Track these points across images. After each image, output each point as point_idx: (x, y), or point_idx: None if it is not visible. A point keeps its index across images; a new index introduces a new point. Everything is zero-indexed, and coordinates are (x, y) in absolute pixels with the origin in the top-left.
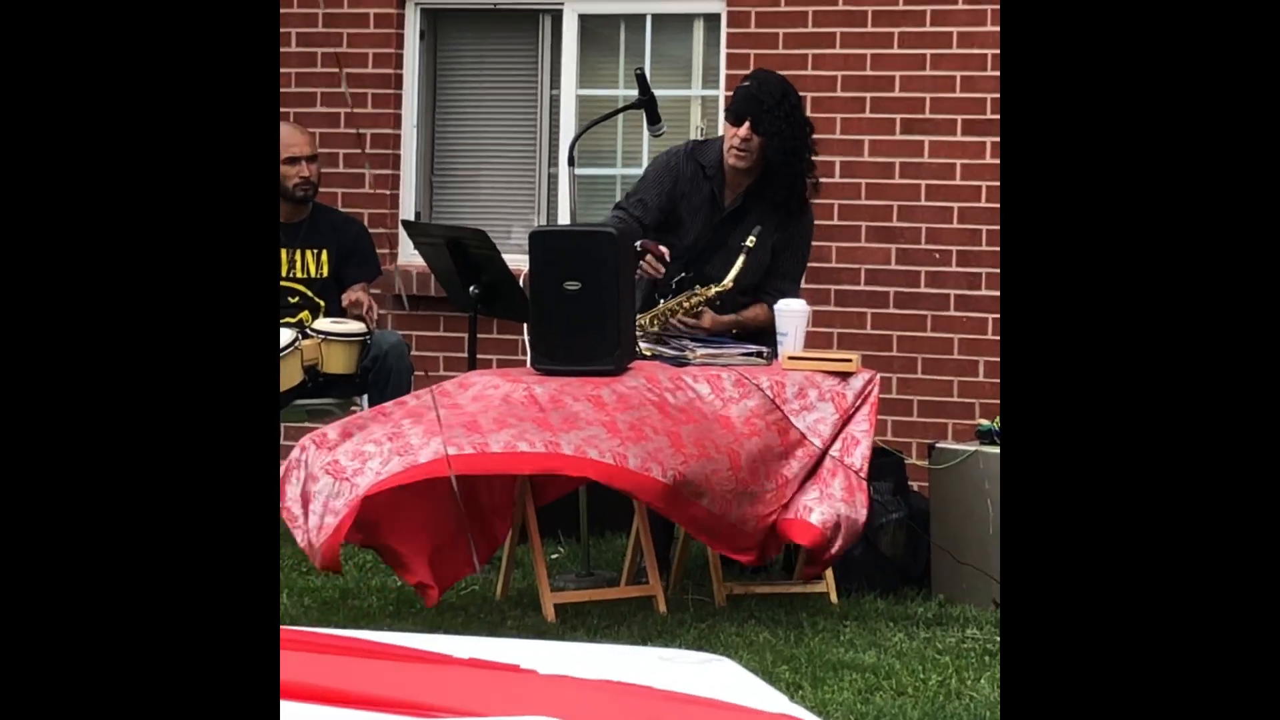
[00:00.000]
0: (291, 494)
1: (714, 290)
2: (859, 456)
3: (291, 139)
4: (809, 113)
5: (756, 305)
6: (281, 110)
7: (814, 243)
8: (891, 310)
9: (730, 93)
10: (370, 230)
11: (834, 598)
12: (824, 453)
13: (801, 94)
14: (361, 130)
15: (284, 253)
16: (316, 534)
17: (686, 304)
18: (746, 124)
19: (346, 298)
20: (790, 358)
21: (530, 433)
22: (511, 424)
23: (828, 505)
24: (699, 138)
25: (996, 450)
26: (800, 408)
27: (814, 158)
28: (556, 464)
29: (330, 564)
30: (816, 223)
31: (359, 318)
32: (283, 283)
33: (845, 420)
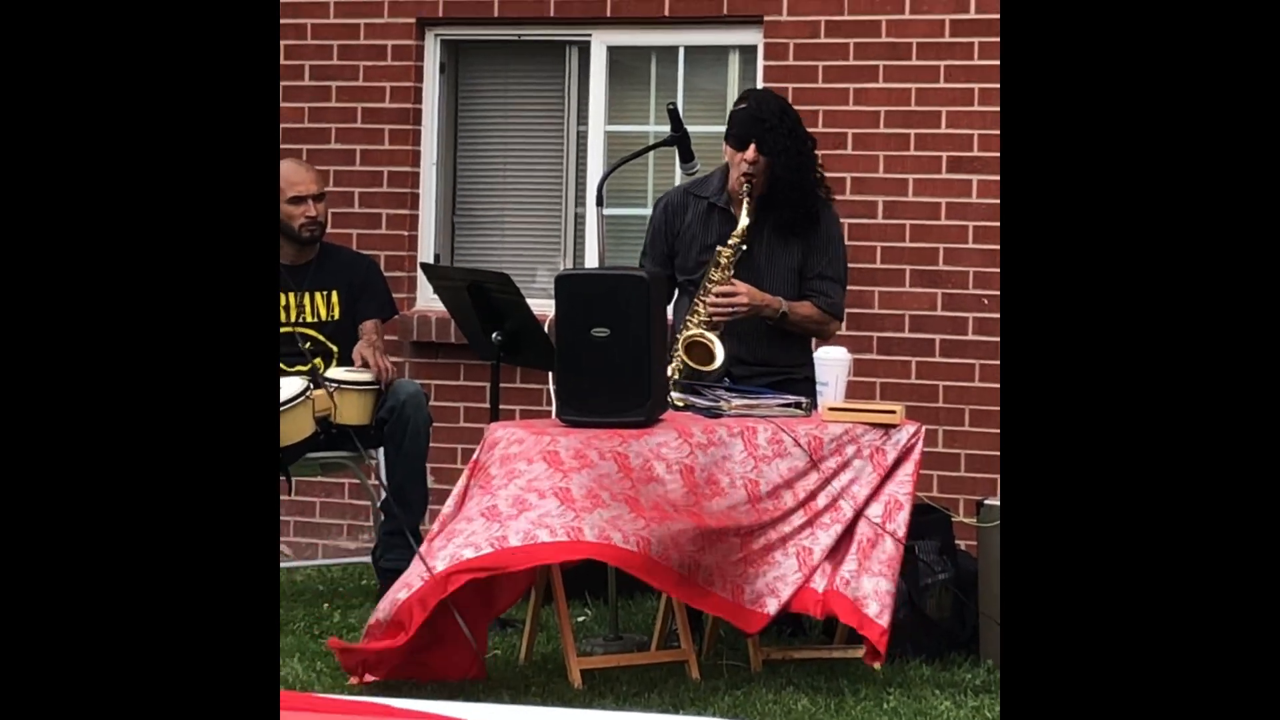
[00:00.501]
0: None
1: (734, 239)
2: (901, 522)
3: (297, 177)
4: (849, 150)
5: (803, 302)
6: (294, 146)
7: (854, 287)
8: (937, 359)
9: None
10: (387, 274)
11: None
12: (858, 515)
13: (842, 130)
14: (379, 167)
15: (291, 297)
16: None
17: (716, 275)
18: (752, 147)
19: (357, 352)
20: (830, 409)
21: (551, 516)
22: (533, 505)
23: (869, 580)
24: (692, 176)
25: None
26: (837, 466)
27: (820, 170)
28: (579, 551)
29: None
30: (859, 265)
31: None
32: (292, 328)
33: (885, 477)
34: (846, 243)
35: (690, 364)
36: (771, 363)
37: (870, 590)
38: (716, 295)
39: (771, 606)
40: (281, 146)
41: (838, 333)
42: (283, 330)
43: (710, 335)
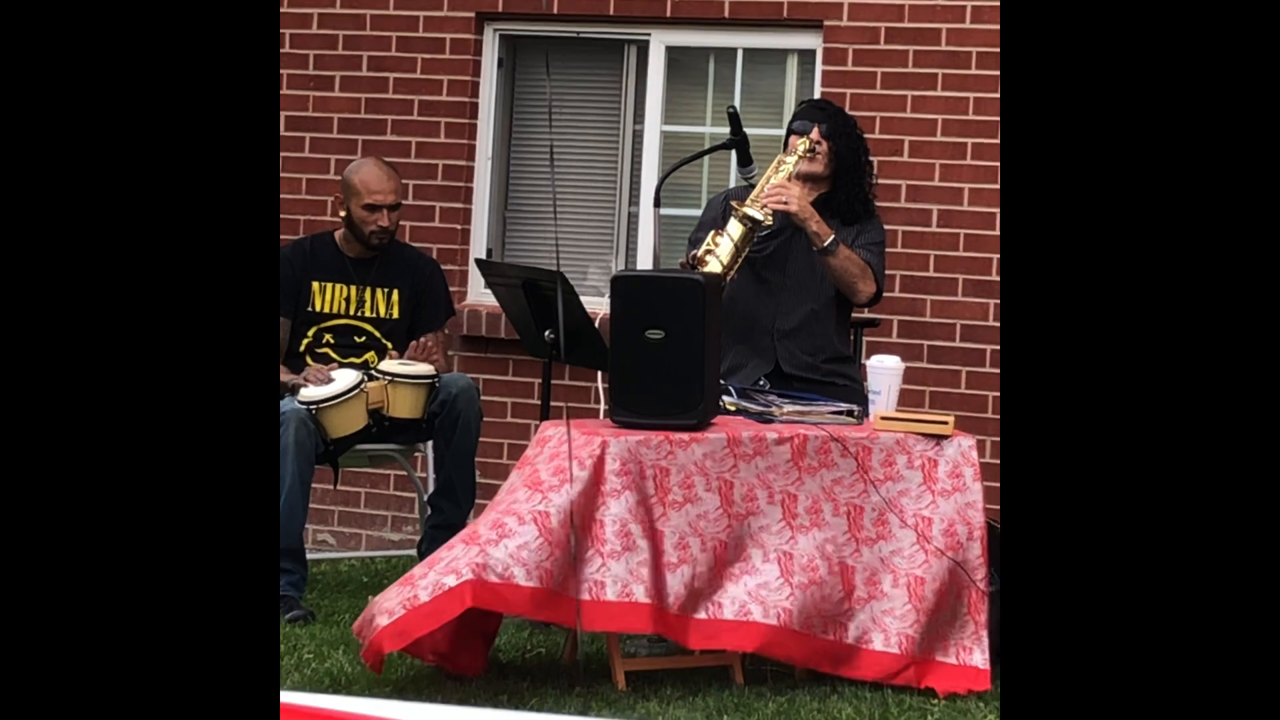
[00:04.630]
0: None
1: (798, 153)
2: (966, 545)
3: (377, 185)
4: (906, 157)
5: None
6: (349, 137)
7: (906, 295)
8: (987, 369)
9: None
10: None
11: None
12: (917, 539)
13: (899, 137)
14: (433, 160)
15: (353, 289)
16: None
17: (774, 174)
18: (816, 129)
19: (412, 347)
20: (882, 418)
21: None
22: (512, 531)
23: (950, 631)
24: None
25: None
26: (885, 477)
27: (873, 181)
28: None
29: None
30: (912, 273)
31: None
32: (350, 321)
33: (939, 494)
34: (899, 249)
35: (743, 210)
36: (821, 372)
37: (929, 635)
38: (772, 186)
39: (817, 629)
40: (337, 137)
41: (874, 309)
42: (340, 322)
43: (752, 211)
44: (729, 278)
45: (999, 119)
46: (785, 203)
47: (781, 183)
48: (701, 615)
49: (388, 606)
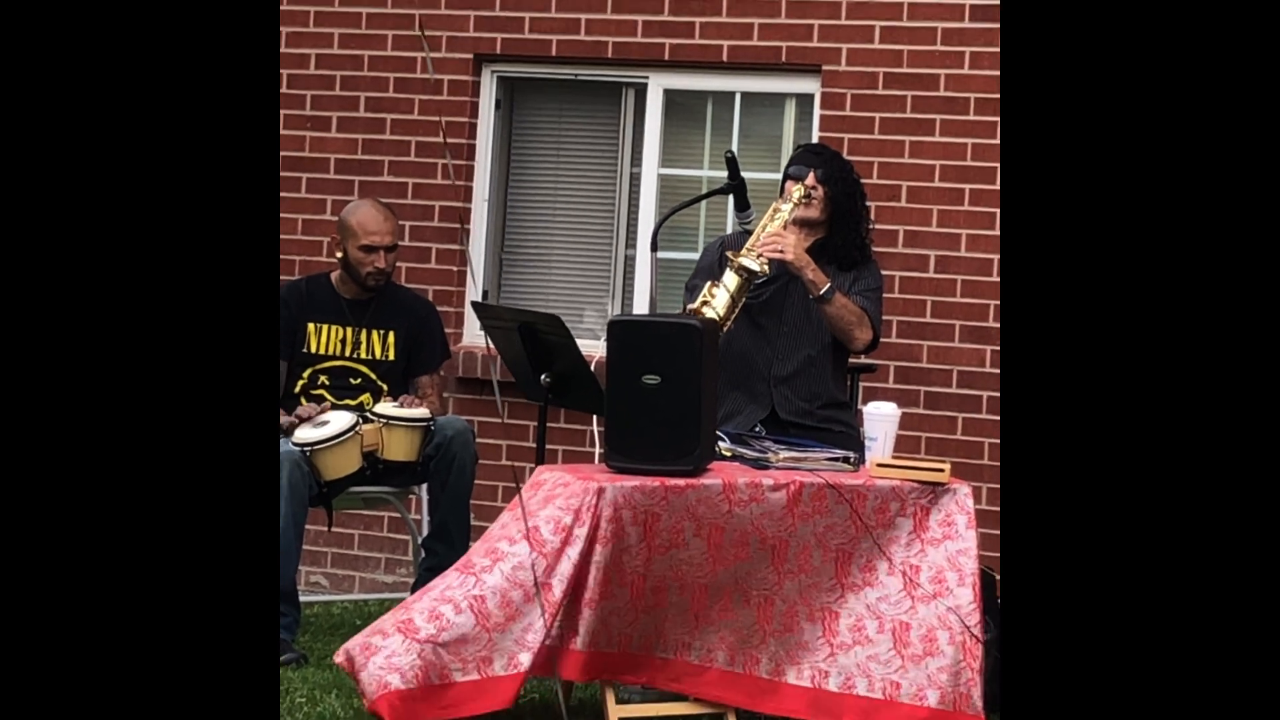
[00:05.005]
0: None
1: (793, 200)
2: (956, 591)
3: (375, 226)
4: (903, 202)
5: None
6: (346, 178)
7: (903, 341)
8: (984, 415)
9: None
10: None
11: None
12: (906, 587)
13: (897, 183)
14: (430, 202)
15: (349, 331)
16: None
17: (769, 222)
18: (812, 174)
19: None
20: (879, 464)
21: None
22: (517, 610)
23: (916, 670)
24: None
25: None
26: (878, 524)
27: (870, 225)
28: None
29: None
30: (909, 319)
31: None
32: (346, 362)
33: (930, 542)
34: (896, 295)
35: (739, 260)
36: (819, 418)
37: (918, 681)
38: (767, 235)
39: (790, 676)
40: (334, 178)
41: (871, 354)
42: (336, 364)
43: (747, 260)
44: (725, 329)
45: (997, 165)
46: (780, 251)
47: (777, 231)
48: (671, 657)
49: (397, 664)
